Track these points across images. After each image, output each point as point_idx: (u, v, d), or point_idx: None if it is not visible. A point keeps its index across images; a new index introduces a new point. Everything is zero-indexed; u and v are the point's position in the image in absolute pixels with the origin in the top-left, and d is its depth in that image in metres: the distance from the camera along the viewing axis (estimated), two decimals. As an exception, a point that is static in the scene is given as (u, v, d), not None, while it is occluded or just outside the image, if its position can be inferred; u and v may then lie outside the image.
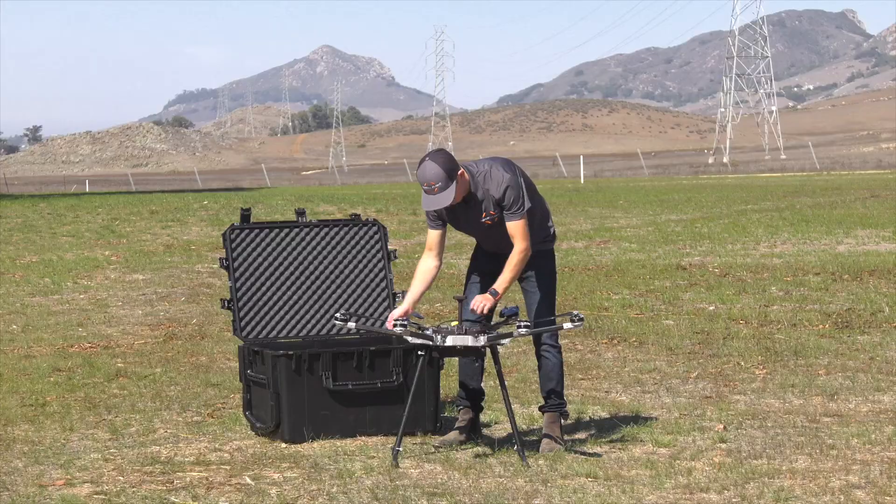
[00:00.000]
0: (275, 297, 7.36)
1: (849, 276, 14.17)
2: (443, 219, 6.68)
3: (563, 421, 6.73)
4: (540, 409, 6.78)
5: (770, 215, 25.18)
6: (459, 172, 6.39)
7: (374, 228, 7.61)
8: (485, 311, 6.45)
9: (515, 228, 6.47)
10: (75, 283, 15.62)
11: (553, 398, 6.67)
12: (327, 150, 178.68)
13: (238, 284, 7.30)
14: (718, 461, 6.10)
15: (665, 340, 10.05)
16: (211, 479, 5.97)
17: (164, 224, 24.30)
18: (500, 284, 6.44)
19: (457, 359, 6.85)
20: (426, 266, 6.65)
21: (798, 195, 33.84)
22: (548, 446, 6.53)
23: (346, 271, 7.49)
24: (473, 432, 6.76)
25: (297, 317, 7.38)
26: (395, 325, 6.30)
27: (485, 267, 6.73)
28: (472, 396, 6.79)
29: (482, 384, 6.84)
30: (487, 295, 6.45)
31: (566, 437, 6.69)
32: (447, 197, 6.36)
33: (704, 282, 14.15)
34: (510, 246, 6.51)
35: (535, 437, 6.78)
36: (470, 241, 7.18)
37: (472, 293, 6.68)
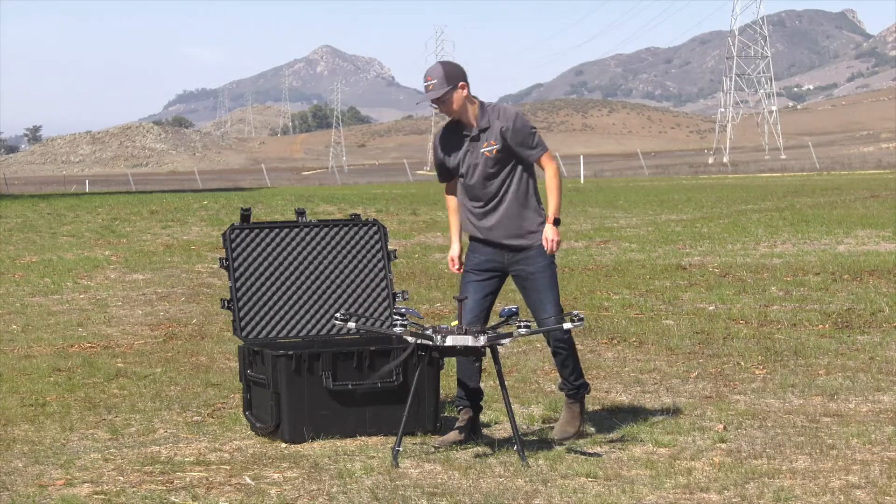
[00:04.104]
0: (275, 297, 7.36)
1: (849, 276, 14.17)
2: (449, 169, 6.79)
3: (586, 396, 6.91)
4: (562, 390, 6.91)
5: (770, 215, 25.18)
6: (461, 84, 6.56)
7: (374, 228, 7.61)
8: (556, 248, 6.65)
9: (542, 159, 6.67)
10: (75, 283, 15.62)
11: (571, 384, 6.81)
12: (327, 150, 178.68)
13: (238, 284, 7.30)
14: (718, 461, 6.10)
15: (665, 340, 10.05)
16: (211, 479, 5.97)
17: (164, 224, 24.30)
18: (554, 211, 6.65)
19: (457, 359, 6.86)
20: (454, 203, 6.88)
21: (798, 195, 33.84)
22: (559, 431, 6.70)
23: (346, 271, 7.49)
24: (473, 432, 6.77)
25: (297, 317, 7.38)
26: (395, 325, 6.31)
27: (483, 265, 6.75)
28: (472, 396, 6.81)
29: (480, 384, 6.85)
30: (550, 227, 6.62)
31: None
32: (436, 94, 6.54)
33: (704, 282, 14.14)
34: (494, 196, 6.64)
35: (535, 437, 6.79)
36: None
37: (471, 292, 6.71)
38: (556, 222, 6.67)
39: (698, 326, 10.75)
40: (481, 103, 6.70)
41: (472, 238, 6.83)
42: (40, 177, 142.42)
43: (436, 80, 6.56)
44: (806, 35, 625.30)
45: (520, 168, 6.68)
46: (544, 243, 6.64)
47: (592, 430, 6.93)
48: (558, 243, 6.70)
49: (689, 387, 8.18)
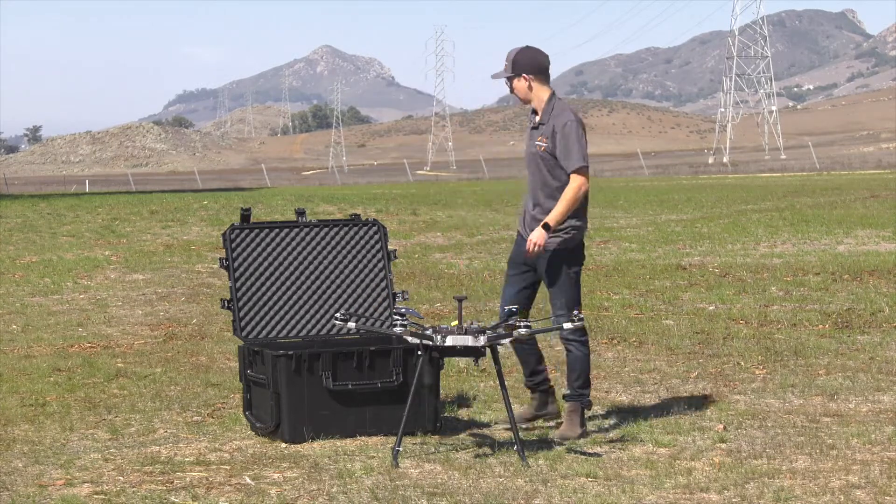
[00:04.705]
0: (275, 297, 7.35)
1: (849, 276, 14.17)
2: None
3: (585, 411, 6.90)
4: (563, 397, 6.94)
5: (770, 215, 25.18)
6: (526, 76, 6.70)
7: (374, 228, 7.61)
8: (538, 248, 6.62)
9: (572, 174, 6.68)
10: (75, 283, 15.62)
11: (573, 389, 6.85)
12: (327, 150, 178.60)
13: (238, 284, 7.30)
14: (718, 461, 6.10)
15: (665, 340, 10.05)
16: (211, 479, 5.97)
17: (164, 224, 24.30)
18: (551, 217, 6.65)
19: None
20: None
21: (798, 195, 33.84)
22: (559, 433, 6.76)
23: (346, 271, 7.49)
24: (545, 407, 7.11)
25: (297, 317, 7.38)
26: (395, 325, 6.32)
27: (516, 258, 6.93)
28: (533, 376, 7.11)
29: (542, 366, 7.12)
30: (539, 230, 6.64)
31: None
32: (500, 74, 6.78)
33: (704, 282, 14.14)
34: (536, 190, 6.76)
35: (535, 437, 6.79)
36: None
37: (507, 288, 6.92)
38: (546, 227, 6.65)
39: (698, 326, 10.75)
40: (552, 96, 6.77)
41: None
42: (40, 177, 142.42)
43: (506, 63, 6.75)
44: (806, 35, 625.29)
45: (562, 171, 6.74)
46: (528, 244, 6.68)
47: (592, 429, 6.93)
48: (538, 247, 6.66)
49: (689, 387, 8.18)
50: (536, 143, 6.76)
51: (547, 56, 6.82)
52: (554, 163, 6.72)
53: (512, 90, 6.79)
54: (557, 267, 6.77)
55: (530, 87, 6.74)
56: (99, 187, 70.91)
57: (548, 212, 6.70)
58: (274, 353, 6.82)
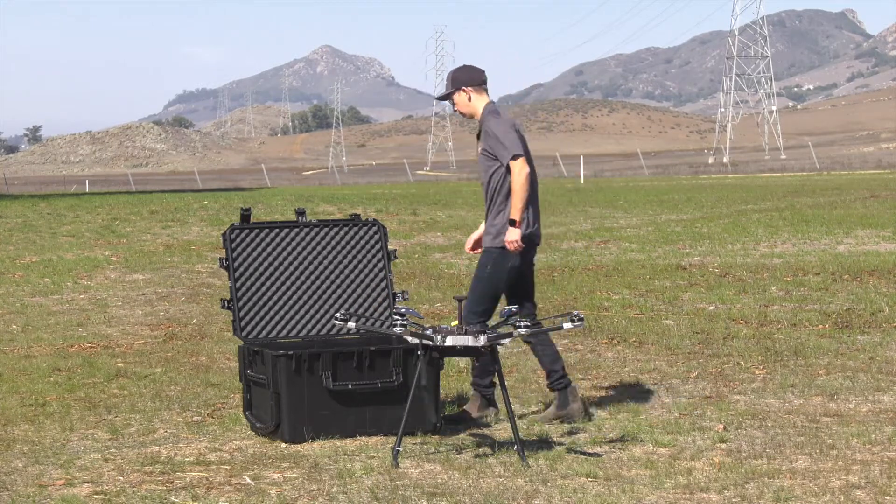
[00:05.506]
0: (275, 297, 7.35)
1: (849, 276, 14.17)
2: None
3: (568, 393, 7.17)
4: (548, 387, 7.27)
5: (770, 215, 25.18)
6: (465, 89, 7.12)
7: (374, 228, 7.61)
8: (516, 246, 6.91)
9: (510, 165, 6.97)
10: (75, 283, 15.62)
11: (555, 376, 7.18)
12: (327, 150, 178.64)
13: (238, 284, 7.30)
14: (718, 461, 6.09)
15: (665, 340, 10.05)
16: (211, 479, 5.97)
17: (164, 224, 24.30)
18: (513, 213, 6.94)
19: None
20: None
21: (798, 195, 33.84)
22: (542, 415, 7.17)
23: (346, 271, 7.49)
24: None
25: (297, 317, 7.38)
26: (395, 325, 6.32)
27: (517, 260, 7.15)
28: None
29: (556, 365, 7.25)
30: (509, 229, 6.93)
31: (565, 439, 6.70)
32: (443, 94, 7.24)
33: (704, 282, 14.14)
34: (491, 195, 7.06)
35: (535, 437, 6.79)
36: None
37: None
38: (513, 223, 6.96)
39: (698, 326, 10.75)
40: (487, 104, 7.14)
41: None
42: (40, 177, 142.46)
43: (446, 81, 7.20)
44: (806, 35, 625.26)
45: (508, 172, 7.03)
46: (508, 246, 6.97)
47: (593, 430, 6.93)
48: (517, 244, 6.95)
49: (689, 387, 8.18)
50: (479, 148, 7.13)
51: (483, 71, 7.23)
52: (496, 163, 7.03)
53: (454, 106, 7.20)
54: (485, 263, 7.07)
55: (470, 99, 7.14)
56: (99, 187, 70.91)
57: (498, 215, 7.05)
58: (274, 353, 6.82)
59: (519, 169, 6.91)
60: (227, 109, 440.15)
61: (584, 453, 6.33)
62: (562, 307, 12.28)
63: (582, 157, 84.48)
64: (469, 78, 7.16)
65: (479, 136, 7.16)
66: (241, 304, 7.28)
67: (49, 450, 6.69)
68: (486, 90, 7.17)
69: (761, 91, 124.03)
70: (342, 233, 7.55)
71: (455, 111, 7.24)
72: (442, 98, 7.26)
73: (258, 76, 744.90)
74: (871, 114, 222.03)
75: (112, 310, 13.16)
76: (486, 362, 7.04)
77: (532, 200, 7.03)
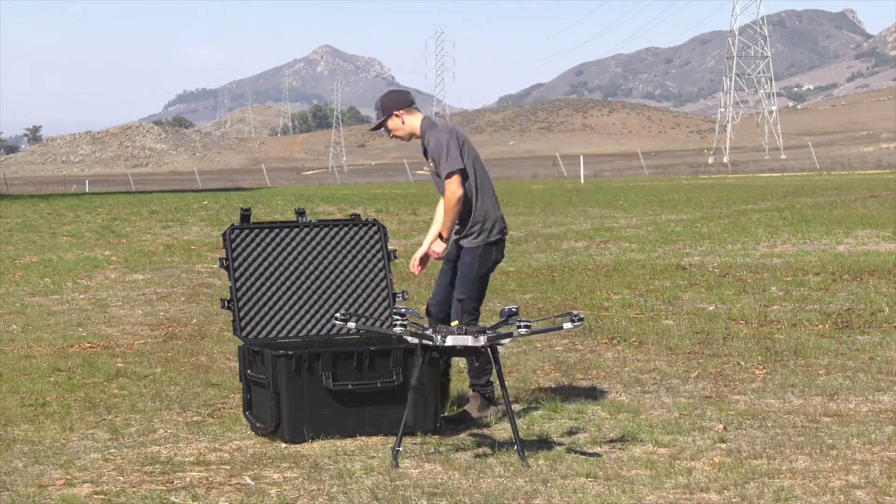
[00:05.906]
0: (275, 297, 7.35)
1: (849, 276, 14.17)
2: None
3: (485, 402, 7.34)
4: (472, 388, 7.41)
5: (770, 215, 25.18)
6: (396, 113, 7.20)
7: (374, 228, 7.61)
8: (436, 254, 7.19)
9: (446, 184, 7.11)
10: (75, 283, 15.62)
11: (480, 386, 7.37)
12: (327, 150, 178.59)
13: (238, 284, 7.30)
14: (718, 461, 6.09)
15: (665, 340, 10.05)
16: (211, 479, 5.97)
17: (164, 224, 24.30)
18: (442, 228, 7.17)
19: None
20: (438, 208, 7.46)
21: (798, 195, 33.85)
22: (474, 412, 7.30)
23: (346, 271, 7.49)
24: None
25: (297, 317, 7.38)
26: (395, 325, 6.32)
27: (450, 256, 7.33)
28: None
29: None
30: (437, 240, 7.19)
31: (565, 439, 6.70)
32: (375, 124, 7.32)
33: (704, 282, 14.14)
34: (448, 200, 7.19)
35: (535, 437, 6.79)
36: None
37: (440, 277, 7.40)
38: (441, 237, 7.19)
39: (698, 326, 10.75)
40: (423, 120, 7.24)
41: None
42: (40, 177, 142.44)
43: (377, 111, 7.28)
44: (806, 35, 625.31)
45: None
46: (432, 255, 7.25)
47: (593, 430, 6.93)
48: (438, 255, 7.21)
49: (689, 387, 8.18)
50: (430, 165, 7.24)
51: (409, 92, 7.41)
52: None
53: (390, 133, 7.27)
54: (463, 265, 7.24)
55: (404, 122, 7.23)
56: (99, 187, 70.92)
57: (465, 223, 7.18)
58: (274, 353, 6.82)
59: (452, 190, 7.03)
60: (227, 109, 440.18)
61: (584, 453, 6.33)
62: (562, 307, 12.28)
63: (582, 157, 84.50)
64: (397, 101, 7.25)
65: (425, 154, 7.23)
66: (241, 304, 7.28)
67: (49, 450, 6.69)
68: (417, 109, 7.28)
69: (761, 91, 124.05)
70: (342, 233, 7.55)
71: (392, 136, 7.30)
72: (375, 128, 7.33)
73: (258, 76, 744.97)
74: (871, 114, 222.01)
75: (112, 310, 13.16)
76: (483, 362, 7.04)
77: (487, 202, 7.17)
